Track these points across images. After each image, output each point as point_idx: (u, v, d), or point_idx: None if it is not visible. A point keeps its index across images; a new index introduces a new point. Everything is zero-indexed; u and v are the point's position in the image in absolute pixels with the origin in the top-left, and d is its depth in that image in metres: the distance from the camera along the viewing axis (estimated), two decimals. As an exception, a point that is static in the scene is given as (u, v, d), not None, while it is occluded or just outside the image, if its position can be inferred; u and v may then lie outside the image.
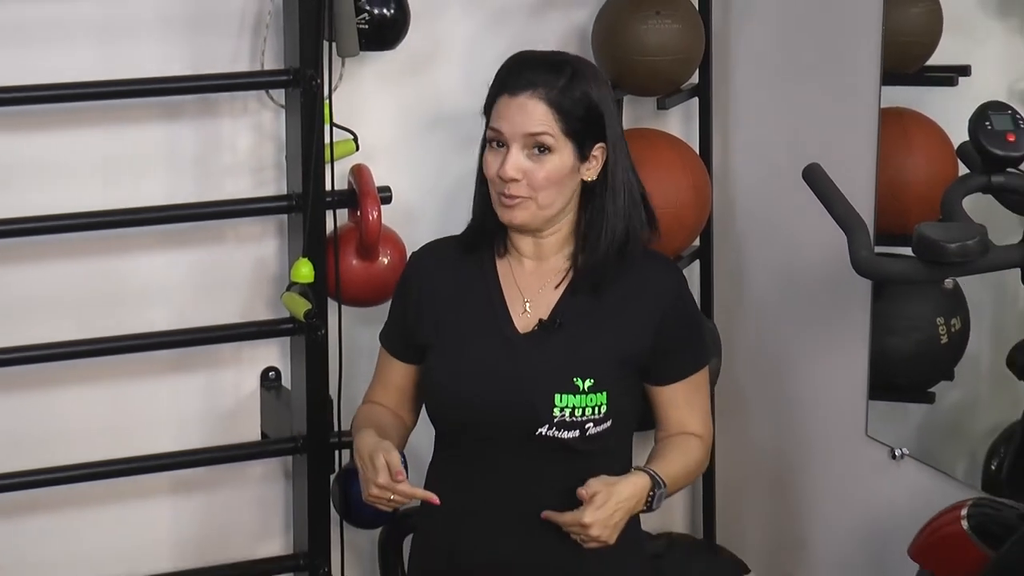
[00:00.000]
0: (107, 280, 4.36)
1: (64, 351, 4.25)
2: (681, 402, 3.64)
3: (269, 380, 4.53)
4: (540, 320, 3.55)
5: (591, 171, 3.49)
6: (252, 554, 4.60)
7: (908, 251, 3.29)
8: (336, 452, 4.45)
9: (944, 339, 4.26)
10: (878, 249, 3.45)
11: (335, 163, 4.29)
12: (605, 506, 3.35)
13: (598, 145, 3.48)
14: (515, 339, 3.56)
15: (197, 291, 4.44)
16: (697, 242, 4.75)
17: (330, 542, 4.49)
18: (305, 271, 4.26)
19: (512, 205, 3.46)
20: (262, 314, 4.47)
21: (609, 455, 3.54)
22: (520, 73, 3.49)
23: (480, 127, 3.54)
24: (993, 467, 4.15)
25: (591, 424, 3.47)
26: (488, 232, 3.61)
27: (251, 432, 4.56)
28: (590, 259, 3.55)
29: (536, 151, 3.43)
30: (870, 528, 4.39)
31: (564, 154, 3.44)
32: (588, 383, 3.48)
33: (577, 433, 3.46)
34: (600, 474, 3.47)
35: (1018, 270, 3.37)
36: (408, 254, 4.10)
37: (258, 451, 4.55)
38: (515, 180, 3.44)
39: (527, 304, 3.58)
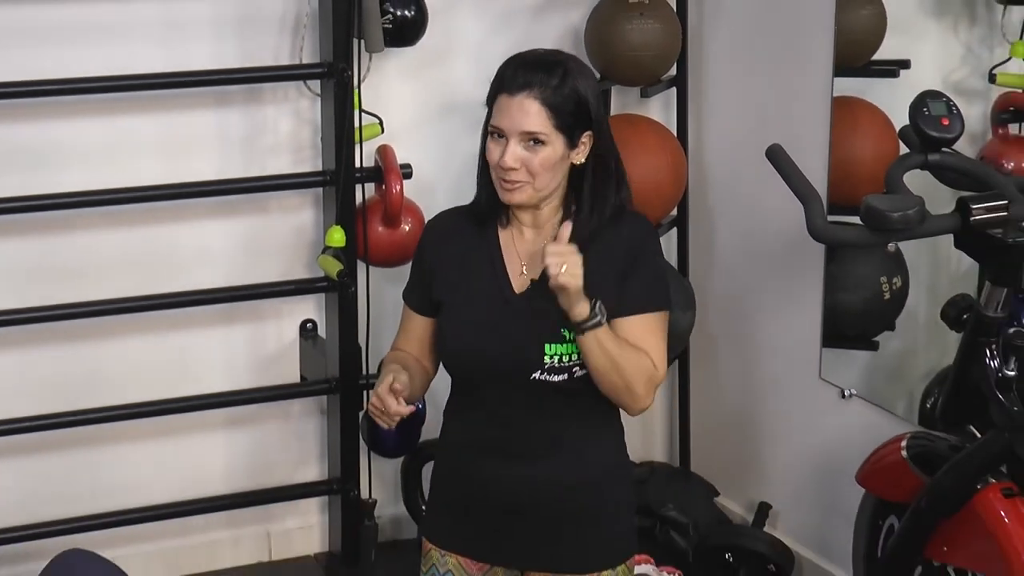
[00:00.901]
0: (167, 244, 4.38)
1: (131, 305, 4.27)
2: (635, 336, 3.55)
3: (307, 330, 4.54)
4: (532, 280, 3.54)
5: (580, 155, 3.47)
6: (292, 479, 4.63)
7: (856, 220, 3.29)
8: (364, 392, 4.46)
9: (887, 295, 4.29)
10: (831, 218, 3.42)
11: (363, 143, 4.30)
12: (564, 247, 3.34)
13: (586, 133, 3.46)
14: (512, 298, 3.54)
15: (244, 254, 4.46)
16: (675, 212, 4.73)
17: (359, 469, 4.51)
18: (338, 236, 4.28)
19: (512, 189, 3.45)
20: (301, 273, 4.48)
21: (595, 393, 3.52)
22: (518, 74, 3.45)
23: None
24: (928, 405, 4.17)
25: (577, 368, 3.47)
26: (492, 207, 3.59)
27: (291, 375, 4.57)
28: (584, 226, 3.51)
29: (531, 143, 3.41)
30: (823, 457, 4.40)
31: (556, 145, 3.42)
32: (572, 333, 3.47)
33: (565, 376, 3.47)
34: (588, 411, 3.51)
35: (951, 236, 3.36)
36: (424, 225, 4.05)
37: (297, 391, 4.56)
38: (514, 168, 3.43)
39: (524, 267, 3.56)
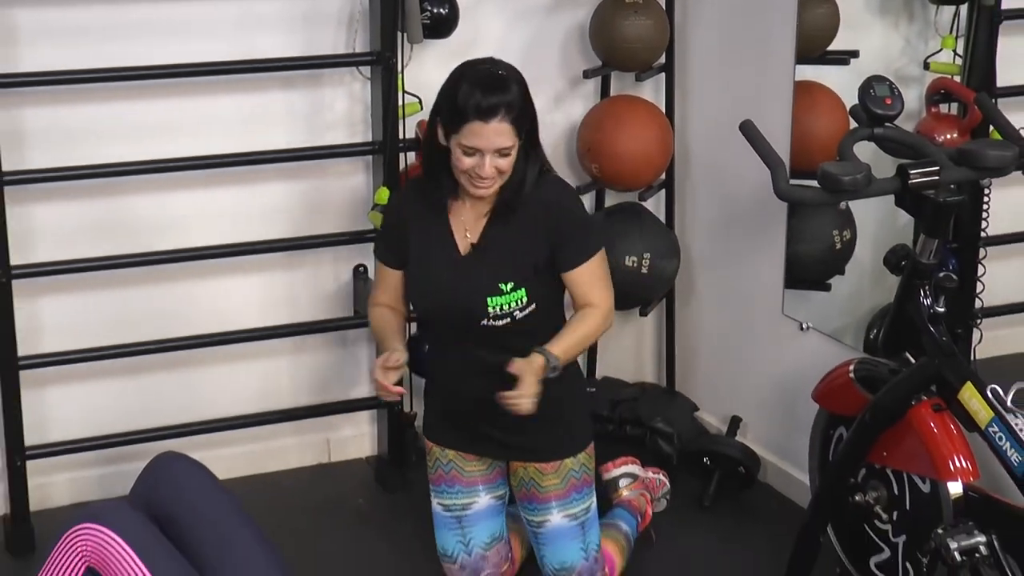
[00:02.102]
0: (245, 202, 4.39)
1: (215, 252, 4.31)
2: (581, 281, 3.65)
3: (359, 273, 4.52)
4: (472, 245, 3.61)
5: (523, 138, 3.52)
6: (347, 395, 4.65)
7: (814, 183, 3.28)
8: (406, 325, 4.28)
9: (838, 246, 4.30)
10: (793, 181, 3.44)
11: (405, 119, 4.29)
12: (526, 385, 3.47)
13: (528, 123, 3.52)
14: (458, 260, 3.62)
15: (308, 210, 4.46)
16: (663, 176, 4.71)
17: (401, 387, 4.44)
18: (384, 196, 4.24)
19: (484, 187, 3.51)
20: (354, 226, 4.47)
21: (537, 324, 3.62)
22: (485, 101, 3.43)
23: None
24: (872, 336, 4.16)
25: (517, 311, 3.56)
26: (440, 188, 3.60)
27: (346, 310, 4.56)
28: (510, 199, 3.57)
29: (501, 153, 3.45)
30: (784, 379, 4.40)
31: (517, 147, 3.48)
32: (509, 285, 3.56)
33: (508, 320, 3.57)
34: (533, 337, 3.58)
35: (892, 196, 3.36)
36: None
37: (351, 323, 4.55)
38: (489, 177, 3.47)
39: (467, 232, 3.62)
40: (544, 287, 3.62)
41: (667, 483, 4.34)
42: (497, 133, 3.45)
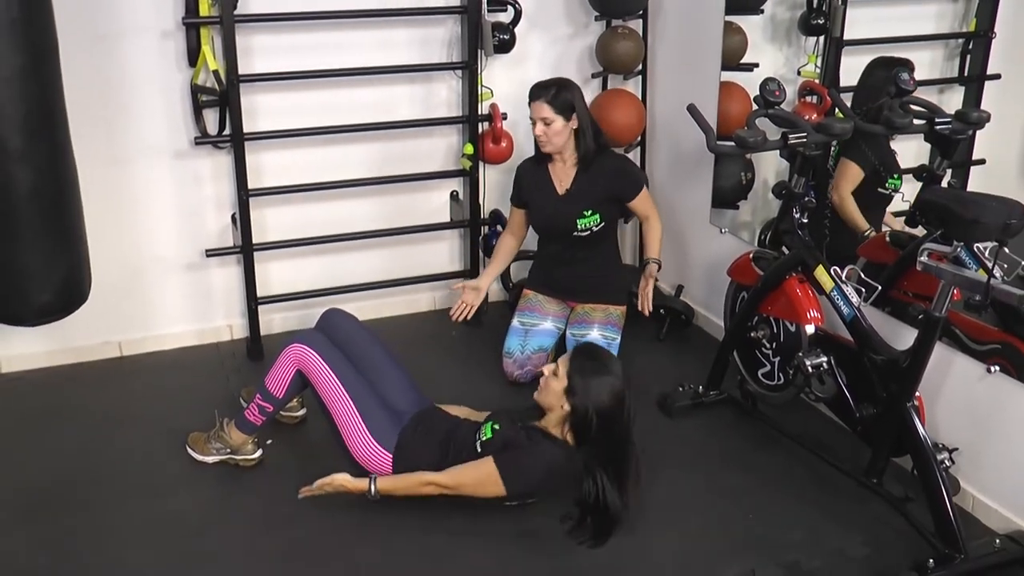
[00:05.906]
0: (385, 151, 4.45)
1: (367, 181, 4.36)
2: (639, 204, 3.86)
3: (453, 196, 4.59)
4: (566, 189, 3.80)
5: (573, 124, 3.69)
6: (445, 269, 4.72)
7: (731, 142, 3.27)
8: (481, 227, 4.59)
9: (744, 181, 4.36)
10: (718, 142, 3.41)
11: (481, 102, 4.39)
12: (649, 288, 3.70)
13: (573, 114, 3.69)
14: (558, 197, 3.81)
15: (422, 156, 4.51)
16: (639, 139, 4.78)
17: (479, 263, 4.58)
18: (469, 149, 4.42)
19: (543, 144, 3.71)
20: (451, 166, 4.54)
21: (602, 236, 3.81)
22: (535, 92, 3.70)
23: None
24: (763, 237, 4.30)
25: (594, 227, 3.76)
26: (542, 156, 3.79)
27: (444, 218, 4.65)
28: (581, 160, 3.75)
29: (545, 122, 3.65)
30: (710, 262, 4.46)
31: (558, 121, 3.65)
32: (589, 211, 3.76)
33: (588, 232, 3.76)
34: (599, 243, 3.76)
35: (778, 151, 3.36)
36: (513, 144, 4.32)
37: (448, 226, 4.61)
38: (540, 136, 3.68)
39: (560, 182, 3.81)
40: (608, 213, 3.81)
41: None
42: (539, 108, 3.67)
